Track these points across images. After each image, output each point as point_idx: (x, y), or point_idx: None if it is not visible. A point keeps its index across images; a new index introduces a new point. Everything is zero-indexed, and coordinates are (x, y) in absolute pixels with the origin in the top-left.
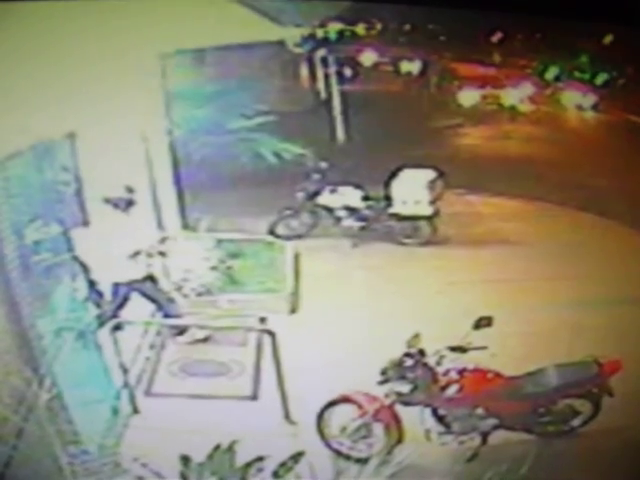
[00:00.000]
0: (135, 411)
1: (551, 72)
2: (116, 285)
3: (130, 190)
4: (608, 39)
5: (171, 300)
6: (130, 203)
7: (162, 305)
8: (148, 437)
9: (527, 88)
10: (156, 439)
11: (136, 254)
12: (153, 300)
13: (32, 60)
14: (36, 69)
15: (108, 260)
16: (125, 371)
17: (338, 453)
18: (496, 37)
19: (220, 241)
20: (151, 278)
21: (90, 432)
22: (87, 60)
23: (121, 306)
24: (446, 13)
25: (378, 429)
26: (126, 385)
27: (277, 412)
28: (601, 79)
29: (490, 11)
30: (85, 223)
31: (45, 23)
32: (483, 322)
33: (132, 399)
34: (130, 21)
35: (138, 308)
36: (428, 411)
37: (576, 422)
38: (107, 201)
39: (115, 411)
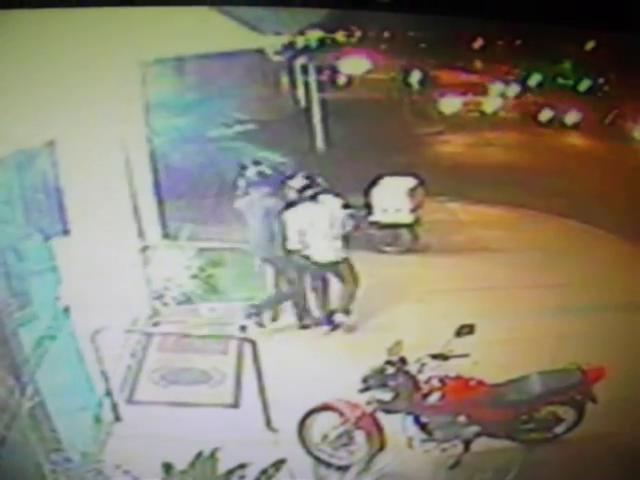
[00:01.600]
0: (117, 419)
1: (534, 79)
2: None
3: None
4: (590, 45)
5: None
6: None
7: None
8: (130, 445)
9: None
10: (138, 447)
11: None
12: None
13: (11, 68)
14: (15, 77)
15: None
16: (107, 379)
17: (319, 460)
18: (477, 44)
19: (201, 250)
20: None
21: (73, 440)
22: (67, 68)
23: None
24: (427, 20)
25: (360, 437)
26: (108, 393)
27: (258, 420)
28: (584, 85)
29: (471, 17)
30: (66, 232)
31: (24, 32)
32: (465, 330)
33: (114, 407)
34: (110, 30)
35: (119, 317)
36: (410, 419)
37: (559, 429)
38: None
39: (97, 419)
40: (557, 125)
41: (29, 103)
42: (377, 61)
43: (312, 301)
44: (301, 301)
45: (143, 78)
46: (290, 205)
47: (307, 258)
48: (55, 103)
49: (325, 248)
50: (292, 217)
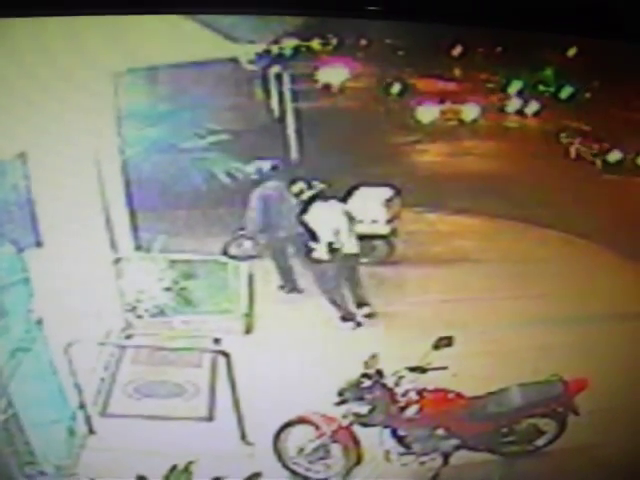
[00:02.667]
0: (91, 432)
1: (514, 86)
2: None
3: None
4: (572, 52)
5: None
6: None
7: None
8: (104, 458)
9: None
10: (112, 460)
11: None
12: None
13: None
14: None
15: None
16: (80, 392)
17: (295, 474)
18: (456, 51)
19: (173, 262)
20: None
21: (47, 453)
22: (37, 79)
23: None
24: (405, 27)
25: (336, 450)
26: (82, 406)
27: (233, 433)
28: (566, 93)
29: (450, 25)
30: (39, 244)
31: None
32: (443, 342)
33: (88, 420)
34: (81, 39)
35: (93, 329)
36: (387, 432)
37: (541, 441)
38: None
39: (71, 432)
40: (537, 134)
41: (0, 115)
42: (355, 69)
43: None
44: (339, 296)
45: (115, 89)
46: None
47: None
48: (25, 115)
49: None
50: (320, 217)
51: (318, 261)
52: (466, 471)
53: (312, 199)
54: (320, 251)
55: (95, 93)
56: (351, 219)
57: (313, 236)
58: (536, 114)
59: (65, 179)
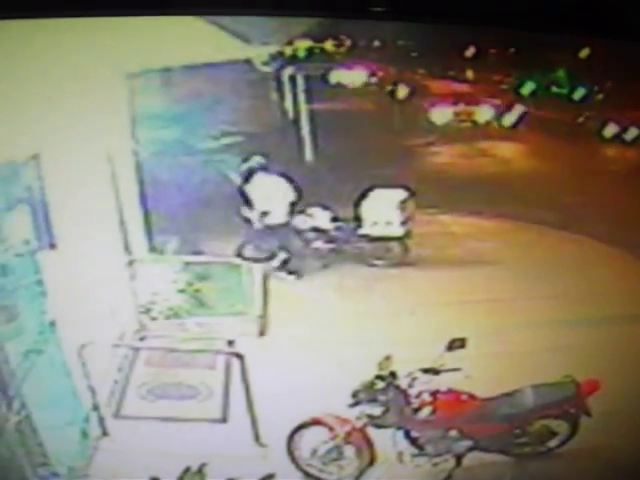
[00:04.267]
0: (104, 433)
1: (527, 87)
2: None
3: None
4: (585, 52)
5: None
6: None
7: None
8: (117, 459)
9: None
10: (125, 462)
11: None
12: None
13: None
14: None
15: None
16: (94, 393)
17: (308, 475)
18: (469, 52)
19: (187, 264)
20: None
21: (60, 454)
22: (51, 80)
23: None
24: (417, 28)
25: (349, 451)
26: (95, 407)
27: (247, 435)
28: (579, 94)
29: (463, 25)
30: (52, 246)
31: (5, 43)
32: (456, 344)
33: (101, 421)
34: (96, 40)
35: (106, 331)
36: (401, 433)
37: (553, 443)
38: None
39: (84, 434)
40: (552, 135)
41: (13, 116)
42: (372, 72)
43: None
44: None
45: (130, 90)
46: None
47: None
48: (39, 116)
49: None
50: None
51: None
52: (478, 472)
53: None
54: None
55: (109, 94)
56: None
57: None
58: (547, 116)
59: (79, 180)
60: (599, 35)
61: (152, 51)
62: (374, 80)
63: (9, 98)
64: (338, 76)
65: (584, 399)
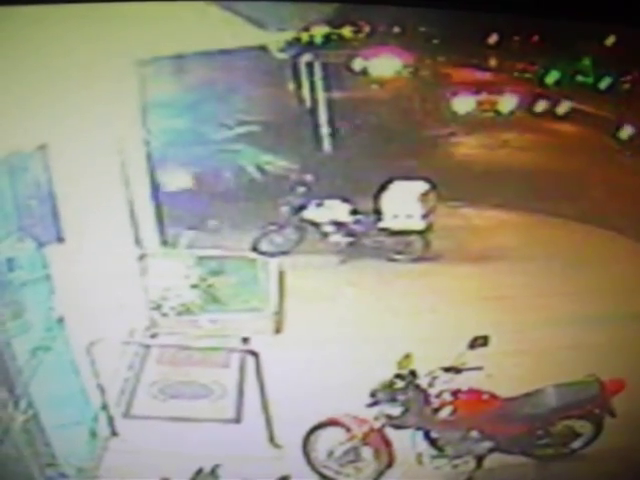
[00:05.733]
0: (114, 433)
1: (552, 77)
2: None
3: None
4: (610, 40)
5: None
6: None
7: None
8: (127, 460)
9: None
10: (136, 462)
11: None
12: None
13: (2, 69)
14: (7, 78)
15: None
16: (103, 392)
17: (324, 477)
18: (492, 39)
19: (201, 258)
20: None
21: (68, 455)
22: (60, 69)
23: None
24: (438, 14)
25: (367, 453)
26: (104, 407)
27: (261, 435)
28: (605, 83)
29: (485, 12)
30: (60, 239)
31: (16, 32)
32: (478, 341)
33: (111, 421)
34: (105, 27)
35: (116, 328)
36: (420, 434)
37: (576, 444)
38: None
39: (93, 433)
40: (577, 126)
41: (19, 105)
42: (387, 58)
43: None
44: None
45: (140, 77)
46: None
47: None
48: (47, 105)
49: None
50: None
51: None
52: (499, 474)
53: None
54: None
55: (118, 82)
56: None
57: None
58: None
59: (87, 172)
60: (626, 22)
61: (163, 37)
62: (409, 69)
63: (16, 87)
64: (365, 64)
65: (608, 399)
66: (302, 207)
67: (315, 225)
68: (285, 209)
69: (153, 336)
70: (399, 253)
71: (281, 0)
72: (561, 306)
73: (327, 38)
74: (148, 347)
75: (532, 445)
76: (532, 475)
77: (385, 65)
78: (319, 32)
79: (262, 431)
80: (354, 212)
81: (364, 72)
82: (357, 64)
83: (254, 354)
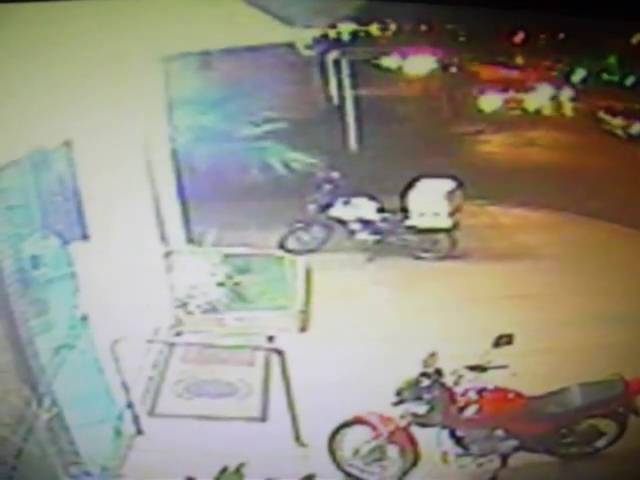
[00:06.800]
0: (139, 432)
1: (578, 74)
2: None
3: None
4: (636, 38)
5: None
6: None
7: None
8: (152, 459)
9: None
10: (161, 461)
11: None
12: None
13: (27, 64)
14: (31, 73)
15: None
16: (128, 391)
17: (350, 476)
18: (518, 37)
19: (227, 256)
20: None
21: (92, 453)
22: (85, 64)
23: None
24: (465, 12)
25: (393, 451)
26: (129, 405)
27: (287, 434)
28: (630, 81)
29: (512, 10)
30: (85, 237)
31: (40, 27)
32: (503, 340)
33: (136, 420)
34: (131, 22)
35: (141, 326)
36: (445, 432)
37: (600, 443)
38: None
39: (118, 432)
40: (604, 125)
41: (44, 101)
42: (415, 56)
43: None
44: None
45: (166, 74)
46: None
47: None
48: (72, 101)
49: None
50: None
51: None
52: (524, 473)
53: None
54: None
55: (144, 78)
56: None
57: None
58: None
59: (113, 168)
60: None
61: (190, 33)
62: (441, 67)
63: (40, 82)
64: (400, 62)
65: (633, 398)
66: (329, 205)
67: (342, 223)
68: (312, 207)
69: (178, 334)
70: (425, 251)
71: None
72: (586, 305)
73: (354, 35)
74: (173, 345)
75: (556, 444)
76: (556, 474)
77: (421, 63)
78: (346, 29)
79: (288, 429)
80: (381, 210)
81: (398, 70)
82: (392, 62)
83: (279, 352)
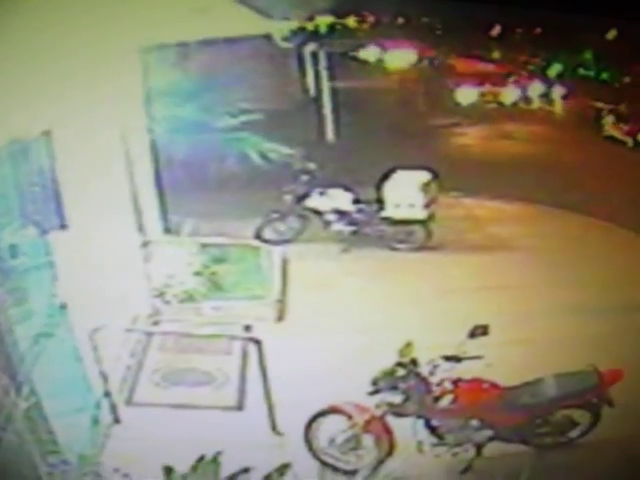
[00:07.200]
0: (116, 421)
1: (554, 69)
2: None
3: None
4: (612, 34)
5: None
6: None
7: None
8: (130, 447)
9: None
10: (138, 449)
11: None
12: None
13: (4, 55)
14: (8, 64)
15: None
16: (105, 379)
17: (326, 465)
18: (495, 31)
19: (204, 245)
20: None
21: (70, 442)
22: (63, 55)
23: None
24: (442, 5)
25: (368, 441)
26: (107, 394)
27: (263, 423)
28: (605, 76)
29: (489, 3)
30: (63, 226)
31: (18, 17)
32: (479, 331)
33: (113, 408)
34: (109, 14)
35: (119, 315)
36: (421, 422)
37: (574, 433)
38: None
39: (95, 421)
40: (577, 119)
41: (23, 91)
42: (391, 48)
43: None
44: None
45: (144, 65)
46: None
47: None
48: (50, 91)
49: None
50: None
51: None
52: (498, 462)
53: None
54: None
55: (123, 70)
56: None
57: None
58: (574, 98)
59: (91, 159)
60: (627, 16)
61: (167, 25)
62: (425, 61)
63: (18, 73)
64: (380, 55)
65: (606, 389)
66: (305, 195)
67: (318, 214)
68: (288, 197)
69: (156, 323)
70: (401, 242)
71: None
72: (561, 296)
73: (332, 28)
74: (151, 334)
75: (531, 434)
76: (531, 463)
77: (401, 57)
78: (324, 22)
79: (264, 418)
80: (357, 201)
81: (378, 63)
82: (371, 55)
83: (256, 342)
